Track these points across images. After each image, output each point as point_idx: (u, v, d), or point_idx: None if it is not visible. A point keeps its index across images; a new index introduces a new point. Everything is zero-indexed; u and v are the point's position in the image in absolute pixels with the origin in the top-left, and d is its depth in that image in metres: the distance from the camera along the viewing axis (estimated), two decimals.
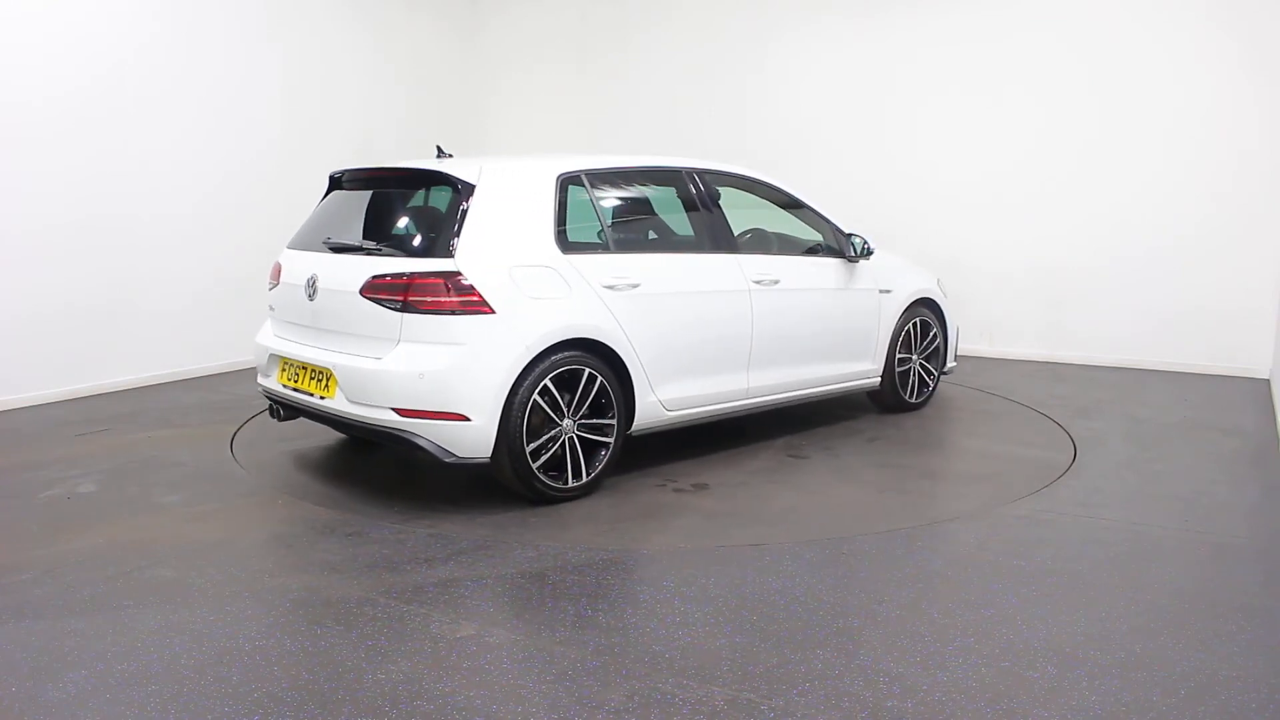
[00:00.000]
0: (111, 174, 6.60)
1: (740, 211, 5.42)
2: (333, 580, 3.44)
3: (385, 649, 2.91)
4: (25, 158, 6.09)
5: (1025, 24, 7.77)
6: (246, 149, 7.55)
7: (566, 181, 4.53)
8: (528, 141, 10.02)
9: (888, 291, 5.80)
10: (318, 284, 4.39)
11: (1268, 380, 7.05)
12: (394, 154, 8.49)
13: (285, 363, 4.58)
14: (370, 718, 2.52)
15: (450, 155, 4.88)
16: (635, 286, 4.50)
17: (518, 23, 10.12)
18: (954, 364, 6.44)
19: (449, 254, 4.07)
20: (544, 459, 4.19)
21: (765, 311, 5.06)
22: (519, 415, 4.08)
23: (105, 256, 6.59)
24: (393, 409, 4.03)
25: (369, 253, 4.31)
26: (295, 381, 4.48)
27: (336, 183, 4.94)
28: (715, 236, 5.06)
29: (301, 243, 4.78)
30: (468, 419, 3.99)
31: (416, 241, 4.33)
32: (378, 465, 4.97)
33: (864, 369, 5.75)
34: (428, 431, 4.03)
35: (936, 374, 6.21)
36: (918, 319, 6.00)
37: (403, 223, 4.61)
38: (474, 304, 4.02)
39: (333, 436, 5.40)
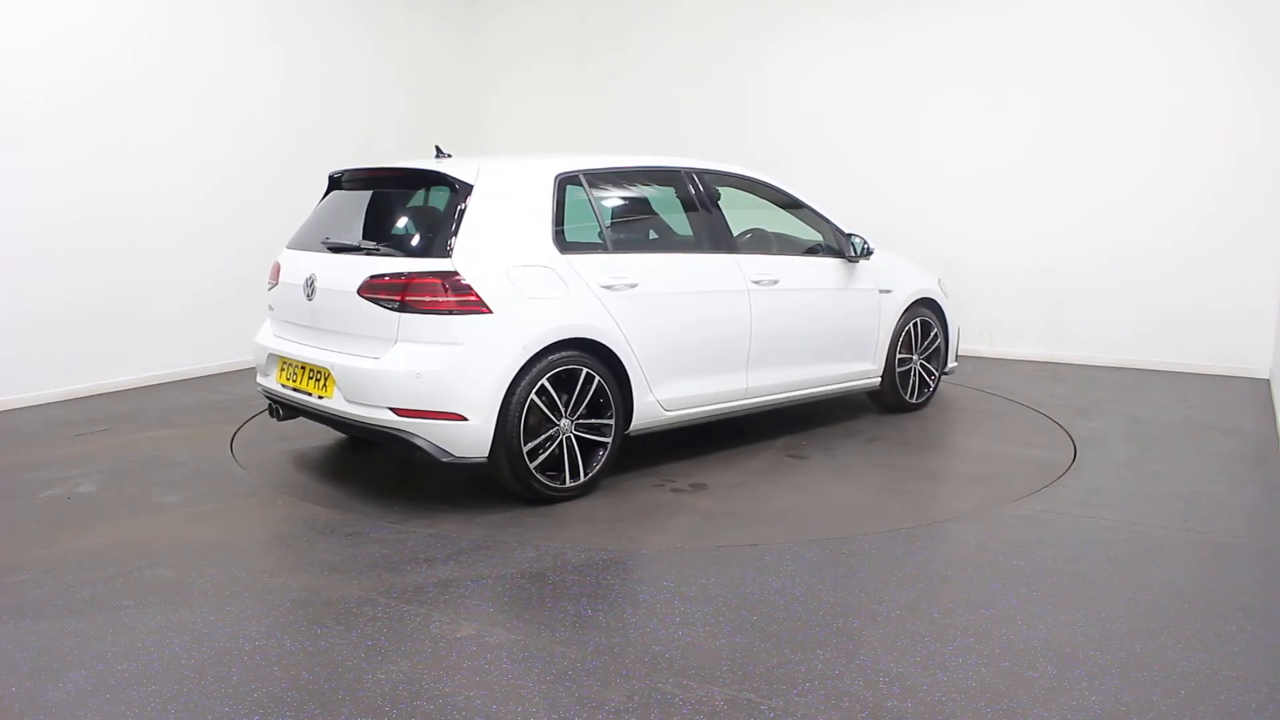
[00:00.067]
0: (111, 174, 6.60)
1: (740, 211, 5.42)
2: (333, 580, 3.44)
3: (385, 649, 2.91)
4: (25, 158, 6.09)
5: (1025, 24, 7.77)
6: (246, 149, 7.55)
7: (564, 181, 4.53)
8: (528, 141, 10.02)
9: (888, 291, 5.79)
10: (316, 284, 4.39)
11: (1268, 380, 7.05)
12: (394, 154, 8.49)
13: (284, 362, 4.58)
14: (370, 718, 2.52)
15: (449, 155, 4.88)
16: (633, 286, 4.50)
17: (518, 23, 10.12)
18: (955, 364, 6.44)
19: (446, 254, 4.07)
20: (541, 459, 4.19)
21: (764, 311, 5.05)
22: (516, 415, 4.08)
23: (105, 256, 6.59)
24: (390, 409, 4.03)
25: (367, 253, 4.32)
26: (294, 381, 4.48)
27: (336, 183, 4.95)
28: (714, 236, 5.06)
29: (300, 243, 4.78)
30: (465, 419, 3.99)
31: (414, 241, 4.33)
32: (377, 465, 4.97)
33: (864, 369, 5.74)
34: (425, 431, 4.03)
35: (937, 374, 6.21)
36: (918, 319, 5.99)
37: (401, 223, 4.62)
38: (471, 304, 4.02)
39: (332, 436, 5.40)
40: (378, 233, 4.49)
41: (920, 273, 6.19)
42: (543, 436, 4.19)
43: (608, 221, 4.81)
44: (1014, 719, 2.52)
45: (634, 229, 5.20)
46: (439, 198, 4.40)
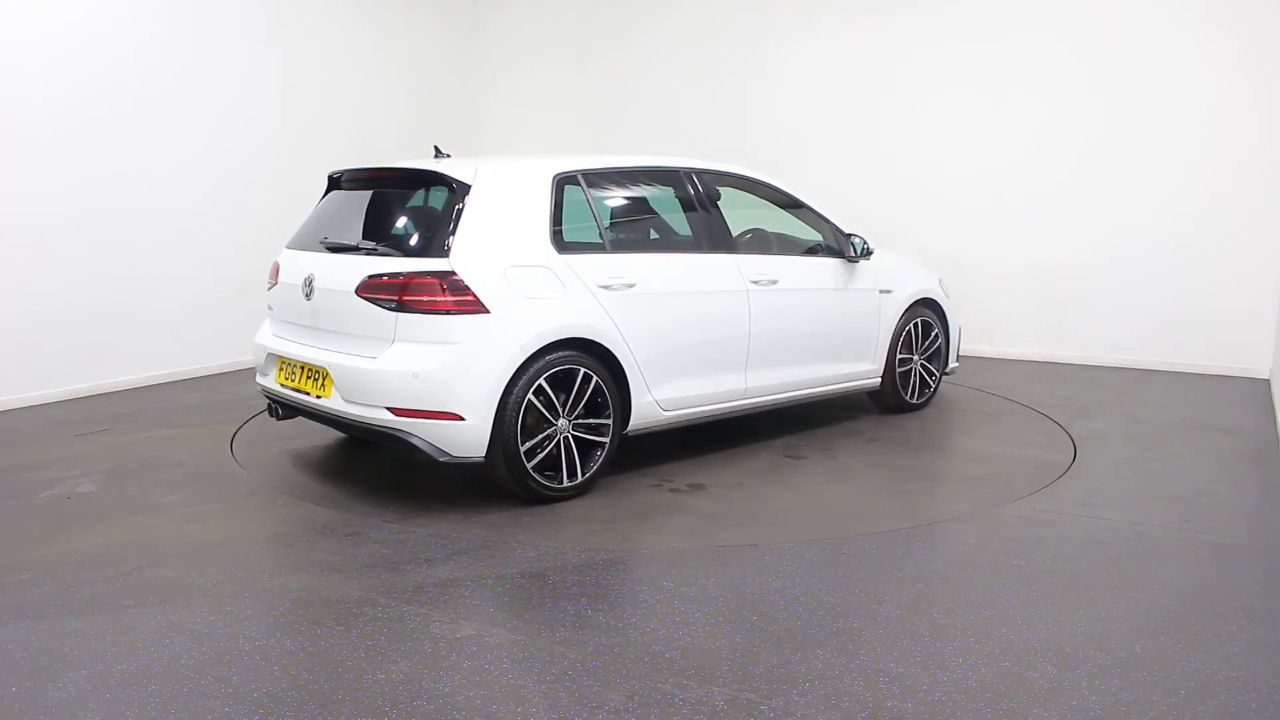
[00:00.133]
0: (111, 174, 6.60)
1: (740, 211, 5.41)
2: (333, 580, 3.44)
3: (385, 649, 2.91)
4: (25, 158, 6.09)
5: (1025, 24, 7.76)
6: (246, 149, 7.55)
7: (562, 181, 4.53)
8: (528, 141, 10.03)
9: (888, 292, 5.79)
10: (314, 283, 4.39)
11: (1268, 380, 7.05)
12: (394, 154, 8.49)
13: (283, 362, 4.58)
14: (370, 718, 2.52)
15: (448, 155, 4.88)
16: (631, 286, 4.50)
17: (518, 23, 10.12)
18: (956, 364, 6.44)
19: (444, 254, 4.07)
20: (539, 458, 4.19)
21: (763, 312, 5.05)
22: (513, 415, 4.08)
23: (105, 256, 6.59)
24: (387, 408, 4.03)
25: (366, 253, 4.32)
26: (292, 381, 4.48)
27: (335, 183, 4.95)
28: (713, 236, 5.05)
29: (300, 243, 4.78)
30: (462, 418, 3.99)
31: (412, 241, 4.33)
32: (377, 465, 4.97)
33: (864, 369, 5.74)
34: (422, 431, 4.03)
35: (938, 374, 6.21)
36: (919, 319, 5.99)
37: (399, 223, 4.61)
38: (468, 304, 4.02)
39: (332, 436, 5.40)
40: (376, 233, 4.50)
41: (921, 273, 6.18)
42: (540, 436, 4.19)
43: (606, 221, 4.81)
44: (1014, 719, 2.52)
45: (632, 229, 5.20)
46: (437, 198, 4.40)
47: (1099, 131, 7.57)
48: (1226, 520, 4.10)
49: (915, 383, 6.05)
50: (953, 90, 8.12)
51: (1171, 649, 2.91)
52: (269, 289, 4.87)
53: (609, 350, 4.39)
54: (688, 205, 5.08)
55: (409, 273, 4.05)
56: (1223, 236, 7.23)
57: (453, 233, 4.12)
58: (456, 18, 9.91)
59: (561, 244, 4.39)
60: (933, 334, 6.09)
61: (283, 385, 4.57)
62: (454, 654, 2.87)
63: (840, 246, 5.60)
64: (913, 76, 8.27)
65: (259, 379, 4.84)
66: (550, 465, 4.25)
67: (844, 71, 8.57)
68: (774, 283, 5.12)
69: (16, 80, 6.01)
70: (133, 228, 6.76)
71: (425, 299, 4.00)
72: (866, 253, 5.64)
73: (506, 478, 4.17)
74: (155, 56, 6.83)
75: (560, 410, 4.24)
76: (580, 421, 4.32)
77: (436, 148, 5.04)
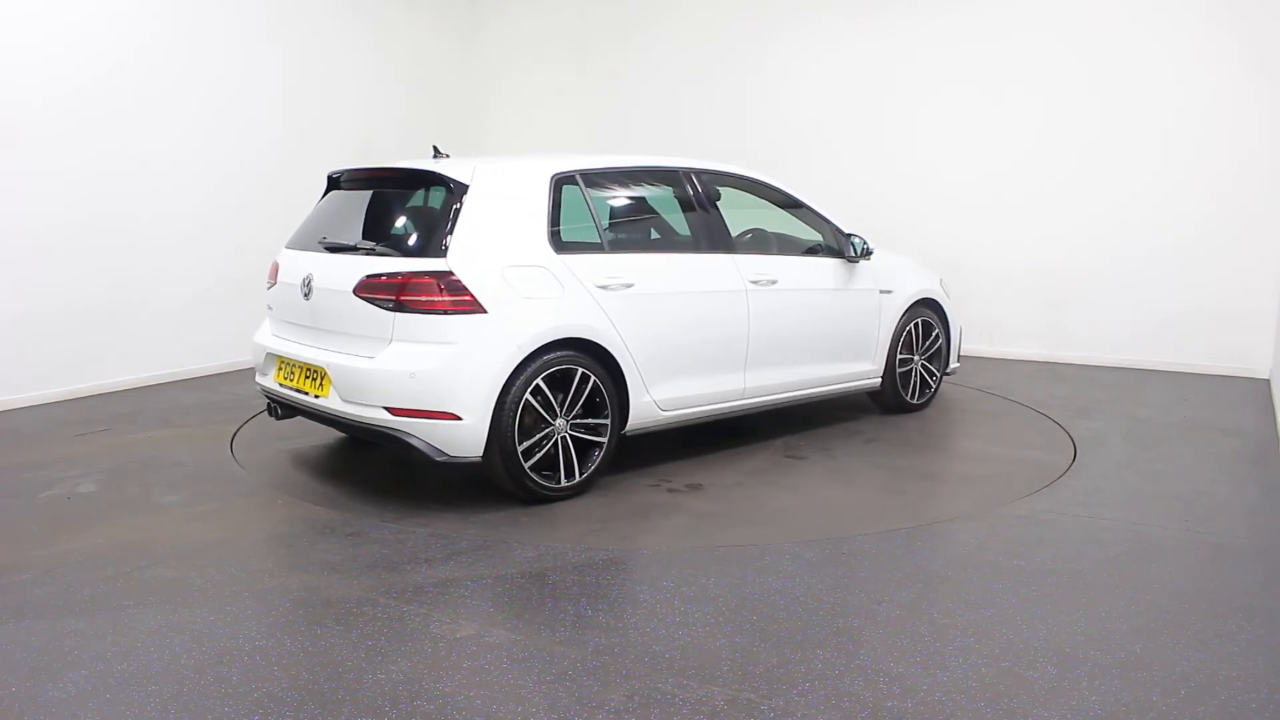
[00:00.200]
0: (111, 174, 6.60)
1: (740, 211, 5.41)
2: (333, 580, 3.44)
3: (385, 649, 2.91)
4: (25, 158, 6.09)
5: (1025, 24, 7.76)
6: (246, 149, 7.55)
7: (561, 181, 4.53)
8: (528, 141, 10.02)
9: (888, 292, 5.79)
10: (313, 283, 4.39)
11: (1268, 380, 7.05)
12: (394, 154, 8.49)
13: (282, 362, 4.58)
14: (370, 718, 2.52)
15: (447, 155, 4.88)
16: (629, 286, 4.50)
17: (518, 23, 10.12)
18: (957, 364, 6.44)
19: (442, 254, 4.07)
20: (537, 458, 4.19)
21: (762, 312, 5.05)
22: (511, 414, 4.08)
23: (105, 256, 6.59)
24: (385, 408, 4.03)
25: (364, 253, 4.32)
26: (291, 380, 4.49)
27: (334, 183, 4.95)
28: (712, 236, 5.05)
29: (299, 242, 4.78)
30: (459, 418, 3.99)
31: (410, 241, 4.33)
32: (376, 465, 4.97)
33: (864, 369, 5.74)
34: (420, 430, 4.03)
35: (939, 375, 6.20)
36: (919, 319, 5.99)
37: (397, 223, 4.61)
38: (466, 304, 4.02)
39: (332, 436, 5.40)
40: (375, 233, 4.50)
41: (921, 273, 6.18)
42: (538, 436, 4.19)
43: (604, 221, 4.81)
44: (1014, 719, 2.52)
45: (631, 229, 5.20)
46: (436, 198, 4.40)
47: (1099, 131, 7.57)
48: (1226, 520, 4.10)
49: (916, 383, 6.04)
50: (953, 90, 8.12)
51: (1171, 649, 2.91)
52: (268, 289, 4.87)
53: (607, 350, 4.39)
54: (687, 205, 5.08)
55: (406, 273, 4.05)
56: (1223, 236, 7.23)
57: (450, 233, 4.12)
58: (456, 18, 9.91)
59: (559, 244, 4.39)
60: (933, 334, 6.09)
61: (282, 385, 4.57)
62: (454, 654, 2.87)
63: (840, 246, 5.60)
64: (913, 76, 8.27)
65: (258, 379, 4.84)
66: (548, 465, 4.25)
67: (844, 71, 8.57)
68: (773, 283, 5.12)
69: (16, 80, 6.01)
70: (133, 228, 6.76)
71: (423, 299, 4.00)
72: (866, 253, 5.63)
73: (504, 477, 4.17)
74: (155, 56, 6.83)
75: (558, 410, 4.24)
76: (578, 421, 4.32)
77: (435, 148, 5.04)
